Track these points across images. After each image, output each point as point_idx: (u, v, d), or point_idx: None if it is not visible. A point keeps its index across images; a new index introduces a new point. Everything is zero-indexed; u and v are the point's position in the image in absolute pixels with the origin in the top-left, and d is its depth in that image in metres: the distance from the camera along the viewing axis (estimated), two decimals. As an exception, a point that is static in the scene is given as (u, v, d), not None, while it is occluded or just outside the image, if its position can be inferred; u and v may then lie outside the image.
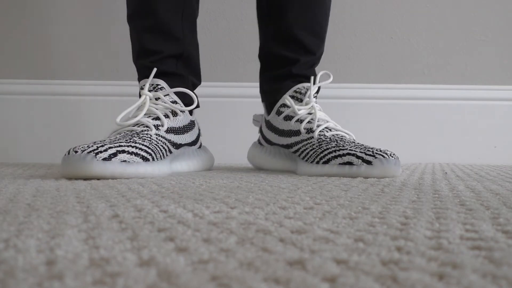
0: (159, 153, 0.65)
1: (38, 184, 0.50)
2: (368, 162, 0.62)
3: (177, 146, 0.72)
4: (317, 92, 0.80)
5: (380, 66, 1.30)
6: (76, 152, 0.55)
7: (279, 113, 0.78)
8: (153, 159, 0.62)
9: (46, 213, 0.31)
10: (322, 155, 0.67)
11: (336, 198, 0.40)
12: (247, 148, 0.91)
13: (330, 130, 0.72)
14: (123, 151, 0.58)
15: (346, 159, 0.64)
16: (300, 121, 0.74)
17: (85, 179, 0.56)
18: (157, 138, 0.66)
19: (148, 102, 0.69)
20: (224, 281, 0.17)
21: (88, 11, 1.23)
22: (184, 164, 0.75)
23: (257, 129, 0.88)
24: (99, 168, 0.54)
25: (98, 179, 0.56)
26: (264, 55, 0.83)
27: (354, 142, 0.69)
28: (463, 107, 1.28)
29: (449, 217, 0.30)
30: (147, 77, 0.71)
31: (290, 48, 0.78)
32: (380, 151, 0.63)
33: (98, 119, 1.20)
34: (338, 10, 1.29)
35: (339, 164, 0.64)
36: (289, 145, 0.76)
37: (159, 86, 0.72)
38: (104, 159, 0.55)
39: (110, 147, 0.57)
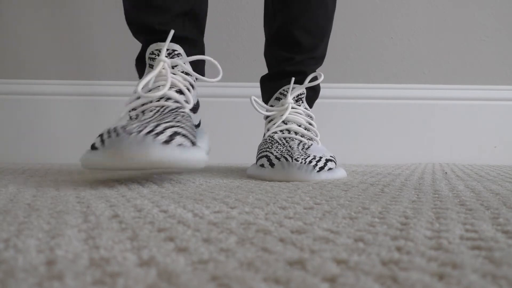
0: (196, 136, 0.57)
1: (38, 184, 0.50)
2: (272, 165, 0.59)
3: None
4: (317, 94, 0.79)
5: (380, 66, 1.30)
6: (130, 133, 0.43)
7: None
8: (195, 143, 0.53)
9: (46, 213, 0.31)
10: (257, 156, 0.67)
11: (336, 198, 0.40)
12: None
13: (289, 132, 0.69)
14: (178, 133, 0.48)
15: (262, 161, 0.62)
16: (271, 121, 0.73)
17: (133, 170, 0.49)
18: (190, 118, 0.57)
19: (169, 70, 0.58)
20: (224, 281, 0.17)
21: (89, 12, 1.23)
22: None
23: (258, 129, 0.87)
24: (160, 153, 0.43)
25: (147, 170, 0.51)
26: (266, 58, 0.82)
27: (291, 147, 0.63)
28: (463, 107, 1.29)
29: (449, 217, 0.30)
30: (152, 39, 0.61)
31: (287, 47, 0.76)
32: (291, 155, 0.58)
33: (98, 119, 1.20)
34: (338, 10, 1.29)
35: (258, 165, 0.63)
36: None
37: (176, 52, 0.61)
38: (164, 142, 0.45)
39: (165, 128, 0.46)
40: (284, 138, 0.67)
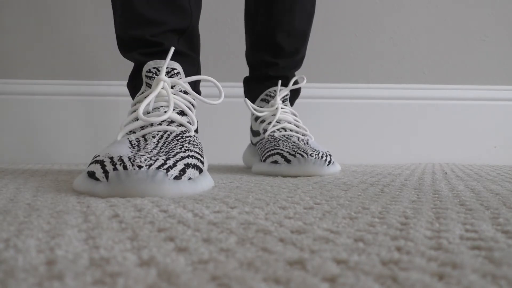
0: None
1: (38, 184, 0.50)
2: (288, 161, 0.65)
3: None
4: (298, 94, 0.86)
5: (380, 66, 1.30)
6: (139, 167, 0.39)
7: (253, 114, 0.83)
8: (203, 168, 0.50)
9: (46, 213, 0.31)
10: (264, 154, 0.71)
11: (336, 198, 0.40)
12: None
13: (285, 130, 0.76)
14: (189, 165, 0.44)
15: (274, 158, 0.67)
16: (262, 121, 0.79)
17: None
18: (197, 140, 0.54)
19: (170, 91, 0.55)
20: (224, 281, 0.17)
21: (90, 11, 1.23)
22: None
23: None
24: (172, 190, 0.40)
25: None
26: (249, 59, 0.86)
27: (296, 143, 0.70)
28: (463, 107, 1.29)
29: (449, 217, 0.30)
30: (146, 53, 0.59)
31: (270, 52, 0.81)
32: (305, 151, 0.64)
33: (98, 119, 1.20)
34: (338, 10, 1.29)
35: (270, 162, 0.68)
36: (255, 144, 0.82)
37: (176, 71, 0.58)
38: (175, 177, 0.41)
39: (176, 161, 0.43)
40: (284, 136, 0.74)
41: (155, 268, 0.18)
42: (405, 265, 0.19)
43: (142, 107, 0.50)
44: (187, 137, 0.52)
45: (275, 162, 0.67)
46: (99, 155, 0.45)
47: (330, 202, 0.37)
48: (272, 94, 0.80)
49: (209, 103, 0.58)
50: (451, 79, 1.30)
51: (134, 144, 0.48)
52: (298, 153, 0.64)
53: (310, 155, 0.63)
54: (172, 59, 0.58)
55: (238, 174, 0.70)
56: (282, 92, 0.79)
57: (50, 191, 0.44)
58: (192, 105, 0.59)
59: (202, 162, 0.49)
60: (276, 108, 0.78)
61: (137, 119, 0.53)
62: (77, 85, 1.22)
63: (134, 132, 0.52)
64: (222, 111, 1.21)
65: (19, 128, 1.21)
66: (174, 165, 0.42)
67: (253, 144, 0.86)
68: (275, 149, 0.69)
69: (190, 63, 0.64)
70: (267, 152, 0.70)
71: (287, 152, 0.66)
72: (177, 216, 0.30)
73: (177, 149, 0.46)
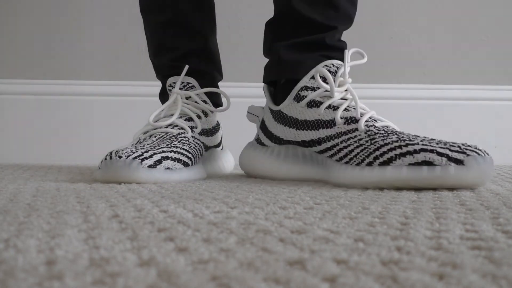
0: (197, 157, 0.62)
1: (38, 184, 0.50)
2: (458, 161, 0.44)
3: (207, 148, 0.68)
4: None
5: (380, 66, 1.30)
6: (120, 157, 0.51)
7: (299, 98, 0.58)
8: (192, 164, 0.60)
9: (46, 213, 0.31)
10: (378, 153, 0.47)
11: (336, 198, 0.40)
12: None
13: (379, 120, 0.55)
14: (167, 157, 0.54)
15: (421, 157, 0.44)
16: (334, 108, 0.55)
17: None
18: (194, 141, 0.63)
19: (180, 101, 0.66)
20: (224, 281, 0.17)
21: (89, 11, 1.23)
22: (209, 166, 0.69)
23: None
24: (145, 176, 0.51)
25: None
26: (283, 14, 0.63)
27: (417, 135, 0.50)
28: (463, 107, 1.29)
29: (449, 217, 0.30)
30: (169, 75, 0.69)
31: (324, 11, 0.61)
32: (467, 145, 0.47)
33: (99, 119, 1.20)
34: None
35: (410, 164, 0.45)
36: (315, 141, 0.56)
37: (190, 85, 0.68)
38: (150, 166, 0.52)
39: (154, 153, 0.53)
40: (387, 128, 0.55)
41: (155, 268, 0.18)
42: (405, 265, 0.19)
43: (153, 115, 0.63)
44: (182, 137, 0.61)
45: (427, 163, 0.44)
46: None
47: (330, 202, 0.37)
48: (332, 70, 0.58)
49: (216, 110, 0.71)
50: (451, 79, 1.30)
51: (141, 140, 0.61)
52: (466, 149, 0.45)
53: (485, 152, 0.46)
54: (191, 76, 0.67)
55: (238, 174, 0.70)
56: (341, 68, 0.58)
57: (50, 191, 0.44)
58: (205, 113, 0.69)
59: (190, 158, 0.59)
60: (346, 90, 0.57)
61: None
62: (77, 85, 1.22)
63: (147, 132, 0.63)
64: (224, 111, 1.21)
65: (20, 128, 1.21)
66: (151, 156, 0.52)
67: (277, 142, 0.62)
68: (411, 144, 0.46)
69: (207, 78, 0.71)
70: (390, 150, 0.47)
71: (445, 148, 0.45)
72: (177, 216, 0.30)
73: (164, 145, 0.56)
